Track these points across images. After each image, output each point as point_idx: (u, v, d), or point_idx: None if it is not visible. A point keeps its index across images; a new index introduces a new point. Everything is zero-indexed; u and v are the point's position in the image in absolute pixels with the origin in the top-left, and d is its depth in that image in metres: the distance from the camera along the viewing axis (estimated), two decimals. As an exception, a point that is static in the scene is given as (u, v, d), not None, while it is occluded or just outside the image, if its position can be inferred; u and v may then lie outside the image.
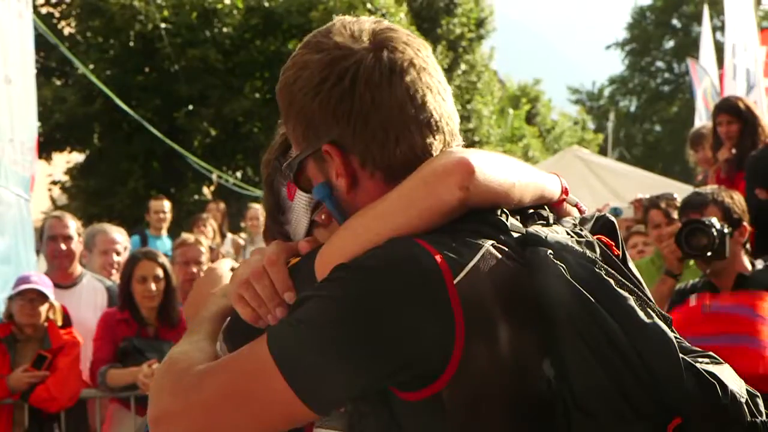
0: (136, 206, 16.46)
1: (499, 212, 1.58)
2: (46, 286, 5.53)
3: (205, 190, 19.68)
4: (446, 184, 1.52)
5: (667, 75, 45.32)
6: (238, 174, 19.81)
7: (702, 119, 14.06)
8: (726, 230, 3.97)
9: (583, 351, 1.46)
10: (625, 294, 1.51)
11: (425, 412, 1.48)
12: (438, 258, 1.48)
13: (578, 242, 1.57)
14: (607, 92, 47.32)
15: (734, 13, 12.25)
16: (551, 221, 1.65)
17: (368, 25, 1.66)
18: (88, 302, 6.16)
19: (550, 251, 1.53)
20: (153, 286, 5.62)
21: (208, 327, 1.79)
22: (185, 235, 6.60)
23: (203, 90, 18.54)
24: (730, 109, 6.45)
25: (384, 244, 1.53)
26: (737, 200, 4.19)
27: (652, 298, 1.59)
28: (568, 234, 1.60)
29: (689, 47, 37.36)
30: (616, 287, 1.51)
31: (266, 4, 19.42)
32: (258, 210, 10.35)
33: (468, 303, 1.46)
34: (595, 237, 1.64)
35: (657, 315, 1.53)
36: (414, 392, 1.48)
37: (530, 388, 1.50)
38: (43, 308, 5.49)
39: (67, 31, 19.64)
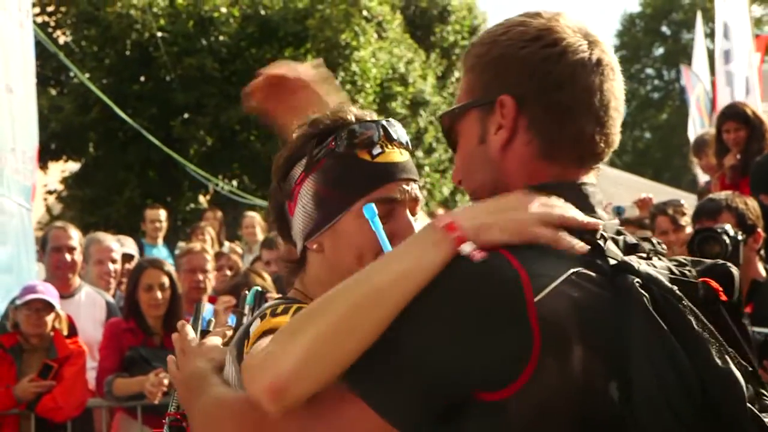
0: (133, 215, 16.43)
1: (598, 236, 1.61)
2: (52, 296, 5.52)
3: (201, 199, 19.64)
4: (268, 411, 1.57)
5: (657, 82, 45.52)
6: (235, 182, 19.78)
7: (696, 126, 14.09)
8: (740, 237, 3.96)
9: (649, 376, 1.49)
10: (704, 335, 1.53)
11: (490, 416, 1.50)
12: (521, 272, 1.51)
13: (673, 279, 1.60)
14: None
15: (727, 19, 12.28)
16: (652, 254, 1.67)
17: (582, 24, 1.74)
18: (86, 313, 6.16)
19: (637, 280, 1.55)
20: (159, 295, 5.61)
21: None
22: (191, 244, 6.60)
23: (199, 98, 18.51)
24: (737, 116, 6.44)
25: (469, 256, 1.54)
26: (751, 206, 4.19)
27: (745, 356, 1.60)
28: (668, 269, 1.63)
29: (679, 54, 37.49)
30: (696, 326, 1.53)
31: (262, 13, 19.41)
32: (254, 218, 10.33)
33: (545, 321, 1.48)
34: (701, 279, 1.65)
35: (735, 364, 1.53)
36: (484, 393, 1.51)
37: (595, 408, 1.52)
38: (50, 318, 5.48)
39: (62, 40, 19.60)
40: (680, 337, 1.51)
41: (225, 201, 17.28)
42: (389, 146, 1.99)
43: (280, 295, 2.13)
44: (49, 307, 5.47)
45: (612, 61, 1.74)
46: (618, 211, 8.61)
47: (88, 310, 6.18)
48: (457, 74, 26.86)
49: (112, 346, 5.60)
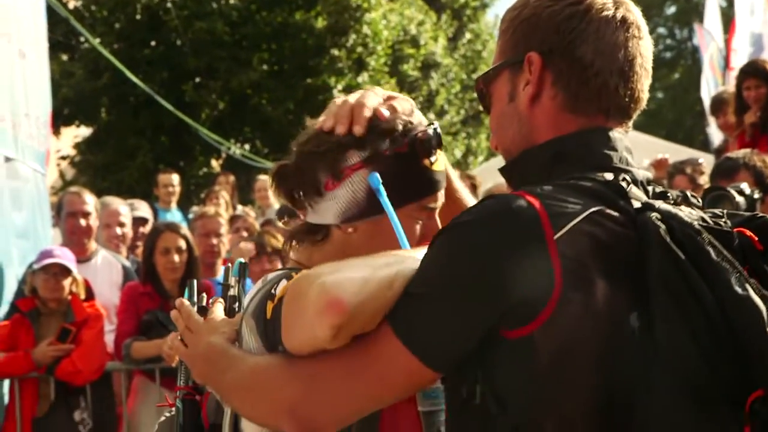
0: (145, 180, 16.45)
1: (621, 178, 1.67)
2: (69, 260, 5.54)
3: (214, 163, 19.65)
4: (321, 326, 1.58)
5: (668, 41, 45.09)
6: (247, 146, 19.78)
7: (709, 85, 13.99)
8: (756, 195, 3.93)
9: (668, 305, 1.53)
10: (723, 264, 1.55)
11: (517, 352, 1.55)
12: (541, 211, 1.56)
13: (706, 227, 1.61)
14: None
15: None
16: (681, 202, 1.71)
17: None
18: (103, 277, 6.19)
19: (655, 215, 1.60)
20: (176, 258, 5.62)
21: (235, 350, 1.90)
22: (205, 207, 6.61)
23: (210, 62, 18.46)
24: (757, 73, 6.37)
25: (489, 197, 1.63)
26: (770, 164, 4.15)
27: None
28: (701, 218, 1.64)
29: (691, 13, 37.13)
30: (715, 257, 1.56)
31: (273, -25, 19.31)
32: (267, 182, 10.29)
33: (566, 257, 1.54)
34: (736, 230, 1.67)
35: (757, 293, 1.54)
36: (509, 330, 1.56)
37: (618, 340, 1.56)
38: (67, 282, 5.51)
39: (72, 4, 19.53)
40: (699, 266, 1.54)
41: (237, 165, 17.28)
42: (438, 152, 2.04)
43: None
44: (66, 271, 5.49)
45: (638, 20, 1.78)
46: (634, 173, 8.58)
47: (104, 274, 6.20)
48: (468, 36, 26.70)
49: (129, 309, 5.63)
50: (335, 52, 19.35)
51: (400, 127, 2.00)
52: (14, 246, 6.18)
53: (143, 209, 7.77)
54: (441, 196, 2.06)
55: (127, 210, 7.04)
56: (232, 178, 11.13)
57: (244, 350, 1.88)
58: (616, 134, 1.76)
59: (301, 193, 2.05)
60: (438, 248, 1.60)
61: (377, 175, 1.95)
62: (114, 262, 6.35)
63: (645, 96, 1.80)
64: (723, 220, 1.68)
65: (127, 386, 5.80)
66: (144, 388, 5.72)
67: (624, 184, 1.65)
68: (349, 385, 1.62)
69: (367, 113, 1.98)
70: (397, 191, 1.97)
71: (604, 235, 1.57)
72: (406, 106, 2.04)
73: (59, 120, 18.71)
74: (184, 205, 11.19)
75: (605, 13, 1.74)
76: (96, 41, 16.62)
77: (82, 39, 18.51)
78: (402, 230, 1.93)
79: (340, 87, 19.33)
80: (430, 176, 2.02)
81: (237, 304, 2.14)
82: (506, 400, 1.56)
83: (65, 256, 5.55)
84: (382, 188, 1.94)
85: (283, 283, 1.88)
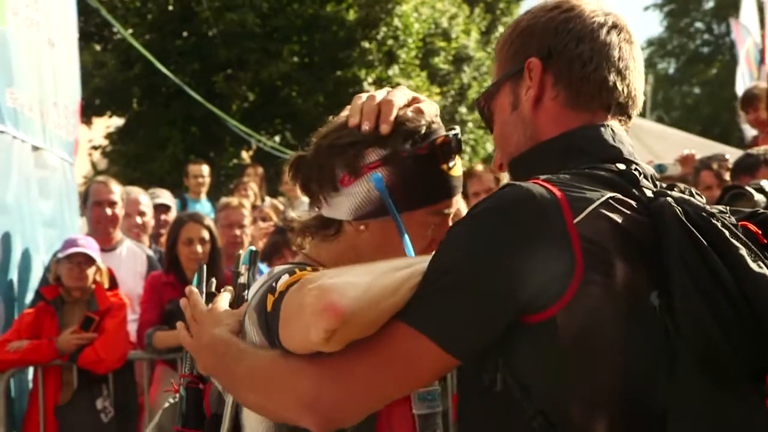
0: (176, 170, 16.51)
1: (633, 167, 1.73)
2: (93, 249, 5.56)
3: (244, 155, 19.69)
4: (315, 328, 1.58)
5: (706, 36, 44.66)
6: (276, 138, 19.81)
7: (745, 79, 13.85)
8: (777, 192, 3.86)
9: (689, 284, 1.55)
10: (738, 244, 1.59)
11: (539, 336, 1.58)
12: (559, 194, 1.61)
13: (712, 215, 1.64)
14: (645, 54, 46.72)
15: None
16: (688, 194, 1.74)
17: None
18: (127, 267, 6.21)
19: (670, 199, 1.65)
20: (199, 249, 5.63)
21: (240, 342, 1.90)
22: (228, 198, 6.61)
23: (241, 54, 18.50)
24: None
25: (507, 185, 1.66)
26: (793, 161, 4.09)
27: None
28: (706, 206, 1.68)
29: (729, 8, 36.75)
30: (729, 237, 1.60)
31: (304, -33, 19.32)
32: (293, 172, 10.27)
33: (586, 240, 1.58)
34: (740, 223, 1.70)
35: None
36: (531, 315, 1.58)
37: (638, 317, 1.59)
38: (91, 271, 5.53)
39: (104, -5, 19.66)
40: (716, 247, 1.58)
41: (267, 157, 17.31)
42: (456, 159, 2.04)
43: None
44: (90, 260, 5.51)
45: (628, 28, 1.86)
46: (660, 170, 8.48)
47: (129, 263, 6.22)
48: (501, 29, 26.57)
49: (152, 299, 5.64)
50: (366, 44, 19.32)
51: (423, 130, 1.99)
52: (41, 234, 6.22)
53: (165, 196, 7.79)
54: (456, 201, 2.05)
55: (148, 199, 7.05)
56: (260, 169, 11.14)
57: (249, 343, 1.88)
58: (621, 129, 1.82)
59: (318, 186, 2.04)
60: (456, 237, 1.63)
61: (380, 176, 1.95)
62: (138, 252, 6.37)
63: (641, 97, 1.86)
64: (726, 216, 1.70)
65: (149, 375, 5.82)
66: (166, 378, 5.73)
67: (636, 174, 1.71)
68: (374, 379, 1.63)
69: (394, 112, 1.98)
70: (413, 194, 1.97)
71: (621, 219, 1.62)
72: (431, 109, 2.04)
73: (91, 110, 18.83)
74: (213, 196, 11.21)
75: (597, 18, 1.82)
76: (128, 32, 16.71)
77: (114, 29, 18.59)
78: (406, 233, 1.93)
79: (370, 80, 19.31)
80: (447, 181, 2.01)
81: (246, 291, 2.14)
82: (530, 385, 1.58)
83: (89, 246, 5.57)
84: (385, 190, 1.94)
85: (285, 277, 1.87)
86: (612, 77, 1.80)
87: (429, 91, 20.87)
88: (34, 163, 6.17)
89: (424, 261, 1.66)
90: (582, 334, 1.56)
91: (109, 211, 6.22)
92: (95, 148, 20.28)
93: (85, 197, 6.46)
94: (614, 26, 1.83)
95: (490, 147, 24.28)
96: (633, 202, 1.65)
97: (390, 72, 19.69)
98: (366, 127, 1.97)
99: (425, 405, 1.99)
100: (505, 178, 7.96)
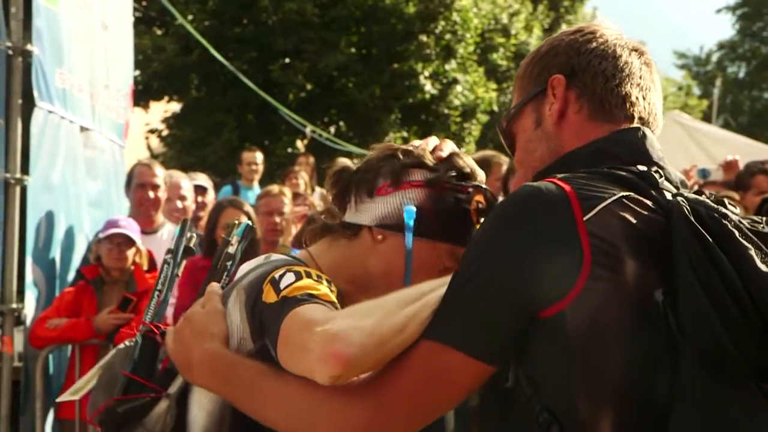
0: (230, 157, 16.64)
1: (654, 169, 1.73)
2: (133, 230, 5.60)
3: (298, 144, 19.78)
4: (320, 373, 1.63)
5: (778, 40, 43.88)
6: (331, 129, 19.87)
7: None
8: (822, 201, 3.77)
9: (692, 281, 1.55)
10: (747, 244, 1.59)
11: (548, 331, 1.59)
12: (570, 194, 1.62)
13: (725, 216, 1.64)
14: (714, 57, 46.07)
15: None
16: (717, 203, 1.73)
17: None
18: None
19: (683, 199, 1.65)
20: (237, 234, 5.64)
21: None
22: (270, 186, 6.63)
23: (299, 43, 18.57)
24: None
25: (521, 186, 1.68)
26: None
27: None
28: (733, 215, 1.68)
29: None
30: (739, 237, 1.60)
31: (364, -41, 19.33)
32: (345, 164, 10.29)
33: (595, 236, 1.59)
34: None
35: None
36: (542, 311, 1.60)
37: (643, 313, 1.60)
38: (130, 252, 5.58)
39: (167, -20, 19.86)
40: (723, 245, 1.58)
41: (321, 147, 17.37)
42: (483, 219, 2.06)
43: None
44: (130, 241, 5.56)
45: (648, 55, 1.89)
46: (703, 174, 8.34)
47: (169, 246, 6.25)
48: (564, 27, 26.32)
49: (189, 282, 5.67)
50: (424, 38, 19.28)
51: (469, 171, 2.07)
52: (87, 214, 6.29)
53: (201, 178, 7.84)
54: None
55: (189, 183, 7.08)
56: (312, 159, 11.18)
57: (250, 359, 1.83)
58: (652, 135, 1.82)
59: (355, 189, 2.07)
60: (475, 245, 1.66)
61: (414, 210, 1.98)
62: (179, 236, 6.40)
63: (661, 121, 1.88)
64: (761, 226, 1.69)
65: (184, 358, 5.85)
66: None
67: (657, 176, 1.71)
68: (419, 399, 1.65)
69: (451, 149, 2.11)
70: (442, 225, 2.02)
71: (633, 218, 1.63)
72: (480, 171, 2.11)
73: (149, 94, 19.05)
74: (266, 184, 11.28)
75: (618, 41, 1.87)
76: (188, 18, 16.86)
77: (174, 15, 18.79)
78: (411, 266, 1.98)
79: (426, 73, 19.28)
80: (470, 228, 2.04)
81: (231, 263, 2.15)
82: (538, 380, 1.61)
83: (130, 227, 5.62)
84: (412, 223, 1.98)
85: (290, 278, 1.86)
86: (635, 92, 1.83)
87: (486, 87, 20.77)
88: (83, 143, 6.24)
89: (433, 291, 1.68)
90: (588, 329, 1.58)
91: (151, 194, 6.26)
92: (152, 131, 20.50)
93: (129, 179, 6.52)
94: (635, 50, 1.86)
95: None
96: (649, 202, 1.66)
97: (447, 66, 19.64)
98: (425, 146, 2.08)
99: None
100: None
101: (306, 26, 18.50)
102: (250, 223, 2.29)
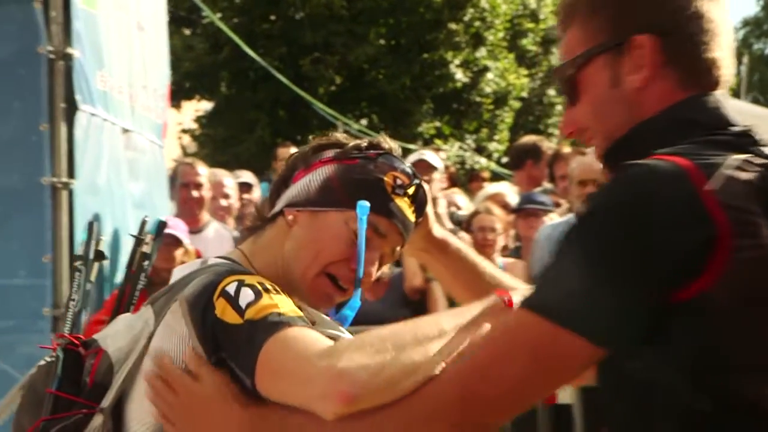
0: (263, 154, 16.64)
1: (749, 130, 1.66)
2: (180, 230, 5.60)
3: (331, 138, 19.73)
4: (324, 410, 1.60)
5: (805, 16, 43.40)
6: (363, 121, 19.83)
7: None
8: None
9: None
10: None
11: (694, 314, 1.51)
12: (685, 163, 1.53)
13: None
14: (740, 35, 45.67)
15: None
16: None
17: None
18: (214, 249, 6.22)
19: None
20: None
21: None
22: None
23: (328, 37, 18.55)
24: None
25: (628, 165, 1.57)
26: None
27: None
28: None
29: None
30: None
31: (390, -51, 19.27)
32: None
33: (723, 205, 1.50)
34: None
35: None
36: (674, 294, 1.51)
37: None
38: (179, 252, 5.57)
39: (194, -21, 19.89)
40: None
41: (353, 140, 17.31)
42: (409, 200, 2.00)
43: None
44: (177, 241, 5.55)
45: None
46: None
47: (215, 245, 6.24)
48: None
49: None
50: (452, 26, 19.20)
51: (385, 147, 2.03)
52: (131, 216, 6.29)
53: (246, 176, 7.82)
54: (391, 232, 1.98)
55: (232, 182, 7.07)
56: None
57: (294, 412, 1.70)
58: (727, 97, 1.73)
59: (275, 188, 2.07)
60: (588, 225, 1.56)
61: (368, 205, 1.92)
62: (225, 234, 6.39)
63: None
64: None
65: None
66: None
67: (754, 136, 1.65)
68: (527, 380, 1.58)
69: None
70: (351, 192, 1.95)
71: (755, 179, 1.56)
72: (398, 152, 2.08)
73: (181, 93, 19.09)
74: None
75: None
76: (217, 16, 16.87)
77: (203, 13, 18.80)
78: (363, 246, 1.92)
79: (457, 62, 19.19)
80: (385, 200, 1.97)
81: (148, 262, 2.13)
82: (684, 365, 1.53)
83: (177, 227, 5.61)
84: (365, 219, 1.91)
85: (247, 293, 1.78)
86: (721, 54, 1.72)
87: (517, 73, 20.65)
88: (124, 145, 6.23)
89: (455, 329, 1.65)
90: (740, 310, 1.51)
91: (195, 193, 6.25)
92: (184, 131, 20.56)
93: (172, 179, 6.51)
94: (720, 1, 1.74)
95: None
96: (760, 160, 1.59)
97: (477, 54, 19.55)
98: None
99: None
100: (589, 152, 7.80)
101: (334, 19, 18.47)
102: (162, 219, 2.26)
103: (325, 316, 1.97)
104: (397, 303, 5.56)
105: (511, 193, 6.81)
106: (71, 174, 5.33)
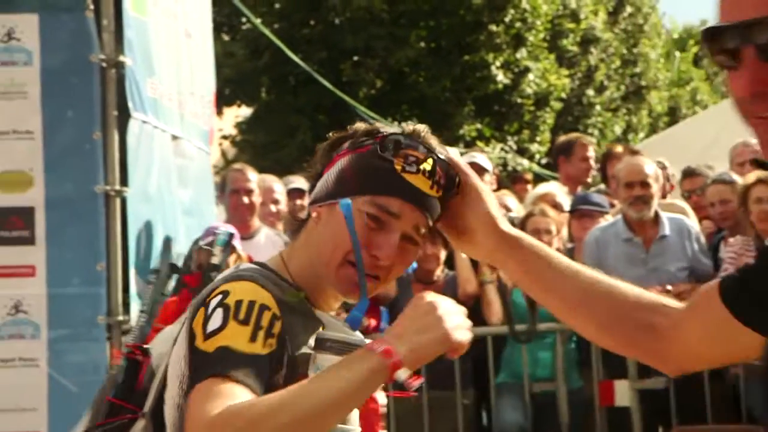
0: (304, 158, 16.56)
1: None
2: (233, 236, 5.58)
3: (371, 142, 19.73)
4: None
5: None
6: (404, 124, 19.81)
7: None
8: None
9: None
10: None
11: None
12: None
13: None
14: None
15: None
16: None
17: None
18: (266, 254, 6.16)
19: None
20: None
21: None
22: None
23: (368, 41, 18.53)
24: None
25: None
26: None
27: None
28: None
29: None
30: None
31: (430, -48, 19.22)
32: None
33: None
34: None
35: None
36: None
37: None
38: (231, 258, 5.54)
39: (234, -15, 19.96)
40: None
41: (394, 143, 17.29)
42: (424, 176, 1.97)
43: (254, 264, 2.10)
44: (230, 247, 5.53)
45: None
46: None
47: (267, 251, 6.21)
48: (629, 9, 25.90)
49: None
50: (493, 27, 19.10)
51: (398, 132, 2.02)
52: (181, 223, 6.30)
53: (299, 182, 7.80)
54: (405, 211, 1.95)
55: (282, 187, 7.05)
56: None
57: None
58: None
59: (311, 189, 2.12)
60: None
61: (350, 203, 1.93)
62: (277, 240, 6.37)
63: None
64: None
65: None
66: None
67: None
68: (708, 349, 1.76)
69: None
70: (360, 179, 1.97)
71: None
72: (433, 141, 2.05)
73: (221, 100, 19.13)
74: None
75: None
76: (257, 21, 16.92)
77: (243, 19, 18.86)
78: (358, 241, 1.92)
79: (498, 63, 19.10)
80: (396, 179, 1.95)
81: (215, 273, 2.14)
82: None
83: (229, 233, 5.59)
84: (351, 213, 1.93)
85: (216, 318, 1.84)
86: None
87: (558, 74, 20.52)
88: (174, 152, 6.25)
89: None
90: None
91: (246, 199, 6.24)
92: (225, 137, 20.63)
93: (222, 185, 6.51)
94: None
95: (618, 129, 23.74)
96: None
97: (518, 55, 19.44)
98: None
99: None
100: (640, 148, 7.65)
101: (375, 23, 18.44)
102: (231, 231, 2.27)
103: (335, 321, 1.98)
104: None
105: (560, 192, 6.73)
106: (124, 182, 5.35)
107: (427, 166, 1.96)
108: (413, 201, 1.96)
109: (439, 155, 2.00)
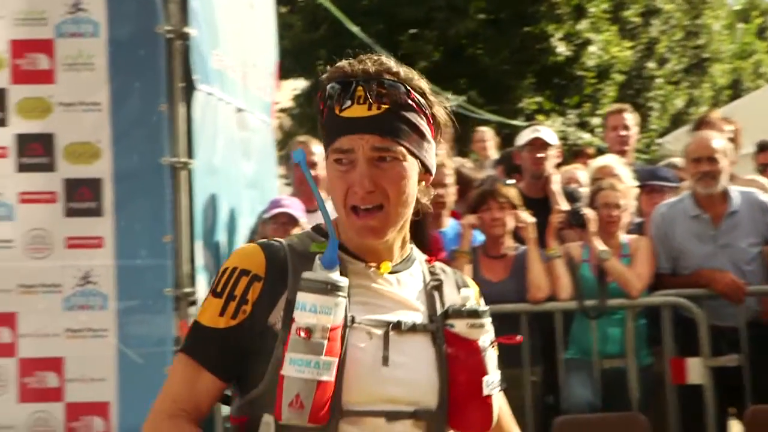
0: (361, 132, 16.57)
1: None
2: (297, 209, 5.56)
3: (430, 114, 19.63)
4: None
5: None
6: (462, 97, 19.65)
7: None
8: None
9: None
10: None
11: None
12: None
13: None
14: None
15: None
16: None
17: None
18: (330, 229, 6.16)
19: None
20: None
21: None
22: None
23: (427, 12, 18.39)
24: None
25: None
26: None
27: None
28: None
29: None
30: None
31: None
32: (486, 132, 10.11)
33: None
34: None
35: None
36: None
37: None
38: (295, 231, 5.52)
39: (292, -43, 19.92)
40: None
41: (453, 116, 17.17)
42: (359, 103, 2.04)
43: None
44: (294, 220, 5.51)
45: None
46: None
47: (331, 224, 6.20)
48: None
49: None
50: (554, -2, 18.88)
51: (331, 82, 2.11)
52: (245, 196, 6.29)
53: None
54: (349, 140, 2.02)
55: None
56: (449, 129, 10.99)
57: None
58: None
59: None
60: None
61: (301, 149, 2.10)
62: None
63: None
64: None
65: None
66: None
67: None
68: None
69: None
70: (324, 137, 2.07)
71: None
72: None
73: (279, 72, 19.15)
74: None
75: None
76: (314, -7, 16.87)
77: (301, -9, 18.83)
78: (315, 185, 2.09)
79: (558, 35, 18.84)
80: (335, 122, 2.04)
81: None
82: None
83: (294, 206, 5.57)
84: (304, 163, 2.07)
85: (222, 268, 2.05)
86: None
87: (620, 46, 20.20)
88: (237, 124, 6.23)
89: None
90: None
91: (313, 172, 6.20)
92: (282, 110, 20.65)
93: (286, 157, 6.48)
94: None
95: (679, 103, 23.37)
96: None
97: (579, 26, 19.16)
98: None
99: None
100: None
101: (434, -6, 18.31)
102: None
103: (318, 268, 1.99)
104: (520, 290, 5.35)
105: (618, 165, 6.58)
106: (190, 154, 5.33)
107: (360, 92, 2.04)
108: (355, 131, 2.02)
109: (362, 81, 2.08)
